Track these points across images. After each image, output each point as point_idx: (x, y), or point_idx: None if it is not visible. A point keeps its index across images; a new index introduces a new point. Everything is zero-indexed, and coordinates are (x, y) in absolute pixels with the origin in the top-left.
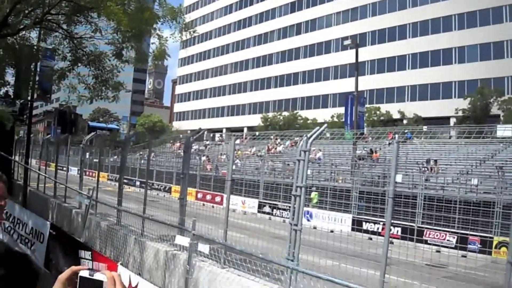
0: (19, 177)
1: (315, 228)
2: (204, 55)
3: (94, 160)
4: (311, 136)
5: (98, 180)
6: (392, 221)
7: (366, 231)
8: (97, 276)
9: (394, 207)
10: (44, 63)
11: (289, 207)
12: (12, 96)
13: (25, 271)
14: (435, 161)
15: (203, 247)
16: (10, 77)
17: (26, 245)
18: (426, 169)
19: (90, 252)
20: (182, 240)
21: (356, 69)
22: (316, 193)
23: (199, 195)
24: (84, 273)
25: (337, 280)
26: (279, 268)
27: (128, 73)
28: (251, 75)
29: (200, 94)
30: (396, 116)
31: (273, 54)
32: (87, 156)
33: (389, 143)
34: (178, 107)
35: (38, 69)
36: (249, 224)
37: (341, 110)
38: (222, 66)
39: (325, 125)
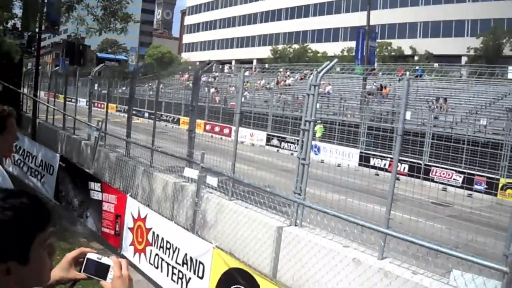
0: (28, 109)
1: (322, 162)
2: None
3: (103, 91)
4: (321, 70)
5: (107, 112)
6: (400, 157)
7: (373, 167)
8: (105, 260)
9: (402, 144)
10: None
11: (297, 140)
12: (20, 29)
13: (37, 211)
14: (445, 99)
15: (212, 180)
16: (17, 10)
17: (36, 178)
18: (435, 107)
19: (99, 184)
20: (191, 173)
21: (368, 2)
22: (321, 126)
23: (208, 127)
24: (92, 256)
25: (343, 215)
26: (286, 202)
27: (136, 4)
28: (262, 6)
29: (209, 25)
30: (408, 52)
31: None
32: (96, 88)
33: (399, 79)
34: (187, 38)
35: (46, 1)
36: (257, 156)
37: (352, 44)
38: None
39: (336, 59)
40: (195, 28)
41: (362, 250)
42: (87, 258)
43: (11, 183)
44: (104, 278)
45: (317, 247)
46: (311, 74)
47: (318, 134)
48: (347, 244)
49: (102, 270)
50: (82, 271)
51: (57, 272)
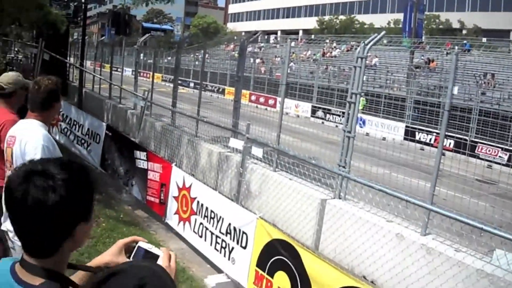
0: (74, 79)
1: (367, 135)
2: None
3: (149, 61)
4: (368, 42)
5: (152, 82)
6: (446, 133)
7: (419, 141)
8: (155, 250)
9: (448, 119)
10: None
11: (343, 112)
12: None
13: (85, 180)
14: (492, 75)
15: (257, 151)
16: None
17: (82, 146)
18: (483, 82)
19: (145, 153)
20: (236, 143)
21: None
22: (363, 98)
23: (253, 97)
24: (143, 245)
25: (388, 190)
26: (330, 174)
27: None
28: None
29: None
30: (456, 25)
31: None
32: (142, 57)
33: (447, 53)
34: (233, 8)
35: None
36: (301, 128)
37: (399, 16)
38: None
39: (383, 32)
40: None
41: (406, 226)
42: (138, 246)
43: (60, 151)
44: None
45: (361, 220)
46: (358, 46)
47: (360, 107)
48: (390, 219)
49: (150, 260)
50: (131, 258)
51: (107, 256)
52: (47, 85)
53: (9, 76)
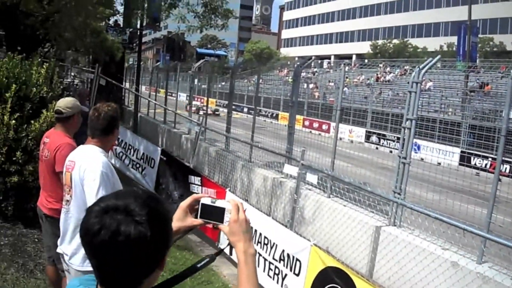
0: (130, 103)
1: (422, 160)
2: None
3: (203, 86)
4: (423, 67)
5: (207, 107)
6: (502, 158)
7: (474, 167)
8: (219, 203)
9: (505, 144)
10: None
11: (397, 138)
12: (121, 25)
13: (163, 212)
14: None
15: (312, 177)
16: (119, 7)
17: (136, 170)
18: None
19: (199, 178)
20: (291, 169)
21: None
22: None
23: (306, 123)
24: (206, 200)
25: (445, 218)
26: (384, 200)
27: (235, 0)
28: (361, 1)
29: (308, 20)
30: (510, 48)
31: None
32: (196, 83)
33: (502, 76)
34: (286, 34)
35: None
36: (355, 153)
37: (453, 39)
38: None
39: (438, 56)
40: (293, 23)
41: (462, 254)
42: (202, 204)
43: (118, 178)
44: (221, 221)
45: (417, 249)
46: (412, 70)
47: None
48: (446, 247)
49: (218, 214)
50: (198, 217)
51: (174, 223)
52: (107, 111)
53: (67, 101)
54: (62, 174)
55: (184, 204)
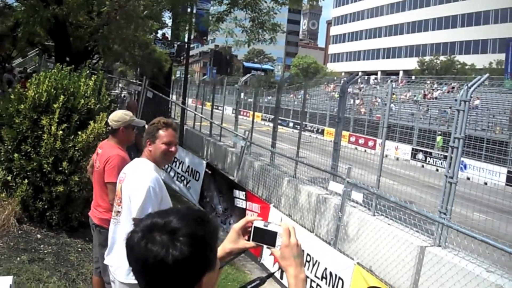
0: (176, 116)
1: (468, 179)
2: None
3: (249, 100)
4: (472, 85)
5: (253, 121)
6: None
7: None
8: (271, 227)
9: None
10: (200, 6)
11: (444, 156)
12: (169, 38)
13: (207, 231)
14: None
15: (357, 195)
16: (167, 20)
17: (181, 183)
18: None
19: (244, 192)
20: (336, 187)
21: None
22: (441, 137)
23: (352, 139)
24: (259, 224)
25: (491, 241)
26: (428, 220)
27: (282, 14)
28: (408, 17)
29: (355, 36)
30: None
31: None
32: (242, 96)
33: None
34: (333, 49)
35: (195, 12)
36: (401, 171)
37: (501, 56)
38: (378, 7)
39: (487, 74)
40: (340, 38)
41: (507, 277)
42: (254, 227)
43: (167, 194)
44: (273, 245)
45: (462, 272)
46: (459, 87)
47: (440, 145)
48: (491, 270)
49: (270, 237)
50: (251, 240)
51: (227, 245)
52: None
53: (115, 114)
54: (111, 185)
55: (237, 226)
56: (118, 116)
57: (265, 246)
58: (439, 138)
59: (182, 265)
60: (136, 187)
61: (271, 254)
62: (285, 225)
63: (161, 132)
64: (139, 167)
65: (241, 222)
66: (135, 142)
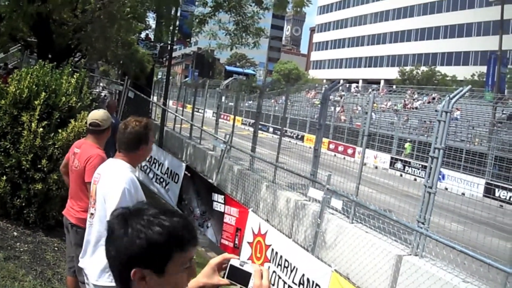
0: (156, 117)
1: (446, 189)
2: (343, 4)
3: (229, 104)
4: (453, 96)
5: (233, 126)
6: None
7: (499, 199)
8: (247, 267)
9: None
10: (184, 8)
11: (422, 166)
12: (152, 39)
13: (180, 232)
14: None
15: (336, 202)
16: (151, 21)
17: (160, 185)
18: None
19: (223, 196)
20: (315, 193)
21: (501, 27)
22: (410, 144)
23: (331, 146)
24: (235, 262)
25: (470, 252)
26: (406, 229)
27: (266, 20)
28: (391, 26)
29: (338, 43)
30: None
31: (414, 6)
32: (223, 100)
33: None
34: (315, 56)
35: (179, 14)
36: (379, 179)
37: (483, 68)
38: (361, 16)
39: (469, 86)
40: (323, 45)
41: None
42: (230, 265)
43: (143, 195)
44: (246, 286)
45: (439, 282)
46: (440, 98)
47: (407, 151)
48: (468, 280)
49: (244, 277)
50: (225, 277)
51: (201, 278)
52: (134, 127)
53: (102, 114)
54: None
55: (213, 262)
56: (106, 116)
57: (238, 286)
58: (407, 145)
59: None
60: (111, 188)
61: None
62: (258, 267)
63: (151, 134)
64: (114, 168)
65: (218, 258)
66: (113, 141)
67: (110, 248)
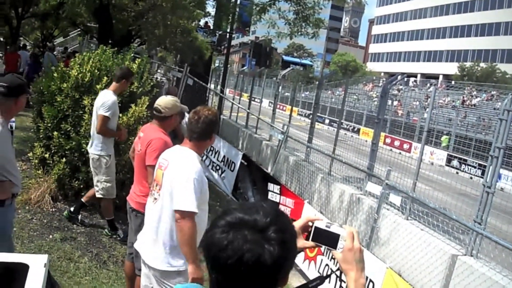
0: (213, 104)
1: (502, 189)
2: None
3: (285, 94)
4: None
5: (290, 116)
6: None
7: None
8: (334, 228)
9: None
10: None
11: (479, 164)
12: (211, 27)
13: (291, 228)
14: None
15: (395, 198)
16: (211, 9)
17: (216, 172)
18: None
19: (279, 186)
20: (374, 188)
21: None
22: (447, 137)
23: (388, 140)
24: (320, 224)
25: None
26: (460, 227)
27: (325, 10)
28: (451, 21)
29: (397, 36)
30: None
31: (475, 0)
32: (280, 90)
33: None
34: (373, 48)
35: (239, 2)
36: (435, 176)
37: None
38: (421, 9)
39: None
40: (382, 38)
41: None
42: (315, 227)
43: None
44: (334, 247)
45: (496, 285)
46: (499, 95)
47: (444, 144)
48: None
49: (331, 239)
50: (310, 240)
51: None
52: (207, 115)
53: (167, 101)
54: (152, 168)
55: (297, 224)
56: (171, 103)
57: (324, 247)
58: (444, 138)
59: (272, 265)
60: (181, 177)
61: (332, 255)
62: (349, 229)
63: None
64: (184, 156)
65: (302, 221)
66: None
67: (260, 274)
